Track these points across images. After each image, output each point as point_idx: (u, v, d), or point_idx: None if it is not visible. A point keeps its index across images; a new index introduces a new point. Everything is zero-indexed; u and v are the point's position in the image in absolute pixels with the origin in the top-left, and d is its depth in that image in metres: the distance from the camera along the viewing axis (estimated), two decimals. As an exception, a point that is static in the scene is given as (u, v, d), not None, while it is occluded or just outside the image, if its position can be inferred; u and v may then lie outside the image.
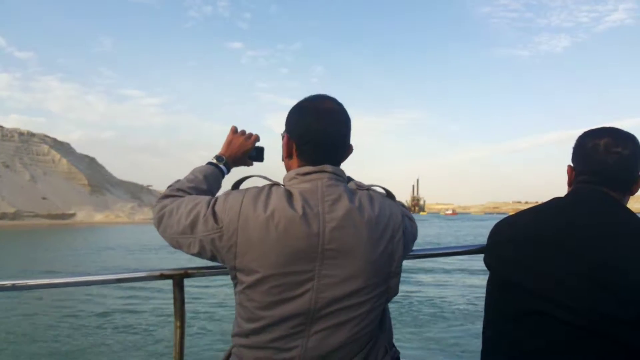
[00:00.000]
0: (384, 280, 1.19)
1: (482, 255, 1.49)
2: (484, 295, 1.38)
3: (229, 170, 1.52)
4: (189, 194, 1.31)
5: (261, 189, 1.17)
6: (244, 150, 1.54)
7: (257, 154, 1.58)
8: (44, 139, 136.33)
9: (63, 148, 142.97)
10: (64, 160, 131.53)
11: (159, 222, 1.25)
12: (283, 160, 1.34)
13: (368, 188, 1.25)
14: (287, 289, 1.10)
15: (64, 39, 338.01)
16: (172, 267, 1.50)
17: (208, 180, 1.40)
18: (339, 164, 1.25)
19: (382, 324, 1.25)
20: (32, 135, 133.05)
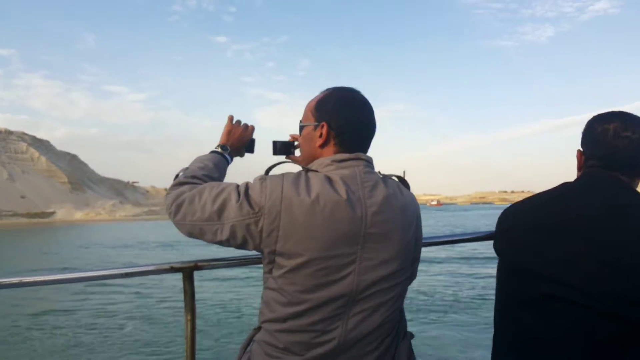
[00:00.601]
0: (410, 264, 1.25)
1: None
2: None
3: (231, 159, 1.51)
4: (204, 181, 1.29)
5: (298, 174, 1.18)
6: (244, 140, 1.54)
7: (250, 145, 1.58)
8: (22, 136, 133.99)
9: (42, 146, 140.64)
10: (43, 158, 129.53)
11: (177, 209, 1.21)
12: (299, 151, 1.40)
13: (390, 176, 1.29)
14: (332, 272, 1.12)
15: (46, 36, 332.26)
16: (182, 260, 1.49)
17: (218, 168, 1.39)
18: (367, 152, 1.29)
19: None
20: (10, 133, 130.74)
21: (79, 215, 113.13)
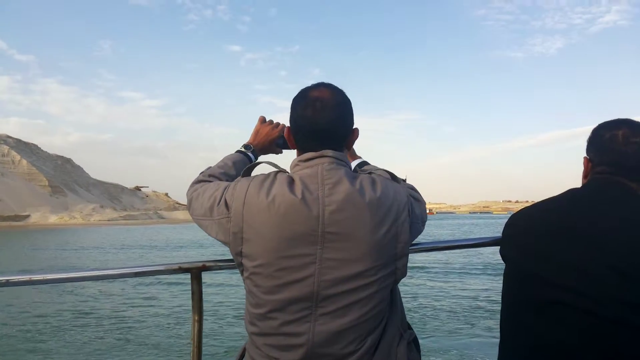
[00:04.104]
0: (390, 262, 1.18)
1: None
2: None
3: (256, 158, 1.56)
4: (220, 179, 1.37)
5: (267, 175, 1.20)
6: (270, 138, 1.57)
7: (284, 142, 1.57)
8: (6, 140, 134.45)
9: (28, 149, 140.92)
10: (24, 161, 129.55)
11: (189, 205, 1.32)
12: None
13: (370, 172, 1.27)
14: (290, 273, 1.12)
15: (64, 42, 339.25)
16: (190, 260, 1.50)
17: (236, 166, 1.45)
18: (339, 149, 1.24)
19: (392, 305, 1.25)
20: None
21: (53, 219, 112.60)
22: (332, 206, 1.12)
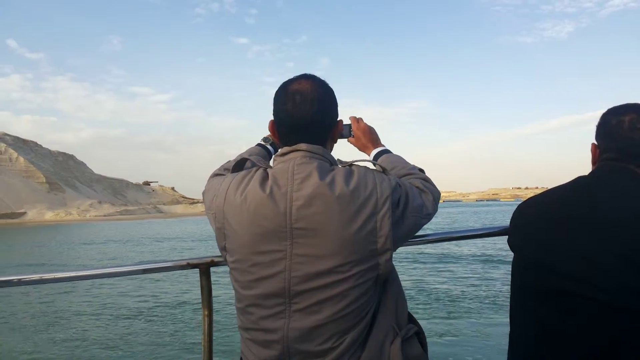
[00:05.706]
0: (369, 257, 1.13)
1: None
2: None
3: (276, 150, 1.56)
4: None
5: (247, 172, 1.20)
6: None
7: None
8: (3, 137, 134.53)
9: (26, 146, 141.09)
10: (22, 159, 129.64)
11: (203, 198, 1.33)
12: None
13: (351, 164, 1.22)
14: (262, 268, 1.13)
15: (73, 40, 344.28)
16: (199, 256, 1.52)
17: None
18: (321, 142, 1.23)
19: (385, 300, 1.20)
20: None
21: (49, 215, 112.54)
22: (299, 201, 1.10)
